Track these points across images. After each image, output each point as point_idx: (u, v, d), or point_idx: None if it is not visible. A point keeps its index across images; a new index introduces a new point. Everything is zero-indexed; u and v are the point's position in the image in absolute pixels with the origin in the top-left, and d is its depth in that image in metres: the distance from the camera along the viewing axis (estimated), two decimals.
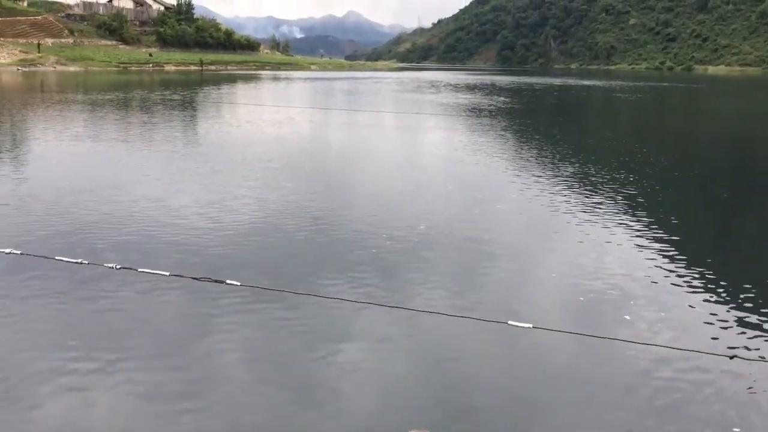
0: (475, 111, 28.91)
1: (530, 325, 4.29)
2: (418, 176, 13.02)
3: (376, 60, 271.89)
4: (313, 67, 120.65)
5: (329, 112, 27.67)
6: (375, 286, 6.69)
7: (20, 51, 73.61)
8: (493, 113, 28.30)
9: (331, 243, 8.23)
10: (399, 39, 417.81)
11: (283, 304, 6.12)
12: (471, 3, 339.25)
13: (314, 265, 7.34)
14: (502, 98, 40.21)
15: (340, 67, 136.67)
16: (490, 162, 14.67)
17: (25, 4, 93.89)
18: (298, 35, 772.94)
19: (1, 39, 76.20)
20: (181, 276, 4.96)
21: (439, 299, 6.43)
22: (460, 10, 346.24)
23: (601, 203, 10.72)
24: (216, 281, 4.79)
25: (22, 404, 4.41)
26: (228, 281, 4.53)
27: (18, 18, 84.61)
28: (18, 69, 65.04)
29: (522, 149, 16.99)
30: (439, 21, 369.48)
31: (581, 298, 6.51)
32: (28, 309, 5.86)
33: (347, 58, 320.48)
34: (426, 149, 17.09)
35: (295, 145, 17.24)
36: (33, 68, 67.09)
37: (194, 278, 4.88)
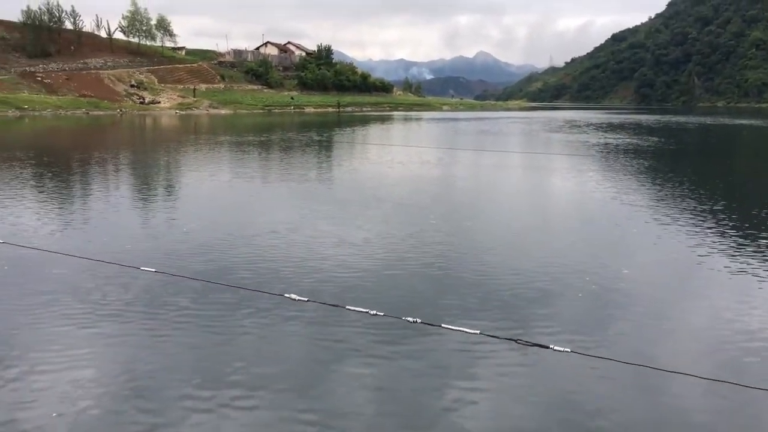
0: (631, 152, 27.03)
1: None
2: (568, 218, 11.90)
3: (506, 100, 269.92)
4: (445, 107, 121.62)
5: (476, 153, 26.98)
6: (501, 320, 6.26)
7: (178, 95, 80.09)
8: (651, 154, 26.35)
9: (465, 278, 7.96)
10: (530, 78, 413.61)
11: (420, 337, 5.74)
12: (606, 41, 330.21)
13: (451, 299, 7.00)
14: (654, 138, 37.61)
15: (471, 107, 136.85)
16: (647, 204, 13.22)
17: (183, 53, 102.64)
18: (428, 76, 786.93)
19: (162, 84, 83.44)
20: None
21: (575, 341, 5.76)
22: (595, 48, 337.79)
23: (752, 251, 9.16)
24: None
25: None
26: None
27: (177, 66, 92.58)
28: (176, 112, 70.57)
29: (693, 193, 15.29)
30: (573, 59, 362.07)
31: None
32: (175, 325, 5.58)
33: (477, 98, 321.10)
34: (578, 191, 15.84)
35: (450, 185, 16.67)
36: (189, 111, 72.49)
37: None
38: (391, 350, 5.55)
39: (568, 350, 4.42)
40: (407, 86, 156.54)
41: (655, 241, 10.57)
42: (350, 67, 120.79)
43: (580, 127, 51.94)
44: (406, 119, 68.35)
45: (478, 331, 4.37)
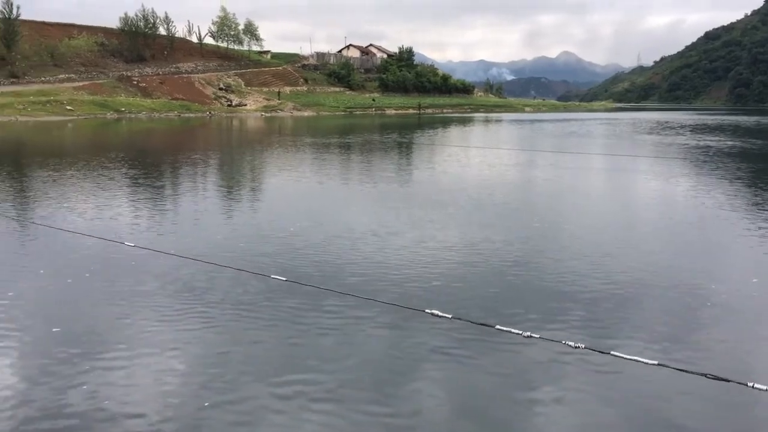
0: (735, 155, 25.39)
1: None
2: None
3: (591, 100, 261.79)
4: (527, 109, 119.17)
5: (567, 155, 26.00)
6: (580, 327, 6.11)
7: (264, 98, 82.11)
8: (758, 157, 24.69)
9: (537, 282, 7.86)
10: (615, 78, 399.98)
11: (489, 340, 5.62)
12: (699, 39, 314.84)
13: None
14: (758, 140, 35.27)
15: (554, 109, 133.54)
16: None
17: (269, 56, 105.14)
18: (508, 77, 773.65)
19: (249, 87, 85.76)
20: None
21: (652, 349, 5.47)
22: (687, 46, 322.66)
23: None
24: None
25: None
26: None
27: (262, 69, 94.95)
28: (261, 114, 72.36)
29: None
30: (662, 58, 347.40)
31: None
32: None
33: (559, 99, 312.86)
34: (687, 195, 14.86)
35: (544, 188, 16.09)
36: (273, 114, 74.15)
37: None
38: (564, 384, 4.96)
39: None
40: (488, 87, 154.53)
41: None
42: (431, 69, 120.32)
43: (673, 128, 49.56)
44: (488, 121, 67.35)
45: (656, 362, 3.73)
